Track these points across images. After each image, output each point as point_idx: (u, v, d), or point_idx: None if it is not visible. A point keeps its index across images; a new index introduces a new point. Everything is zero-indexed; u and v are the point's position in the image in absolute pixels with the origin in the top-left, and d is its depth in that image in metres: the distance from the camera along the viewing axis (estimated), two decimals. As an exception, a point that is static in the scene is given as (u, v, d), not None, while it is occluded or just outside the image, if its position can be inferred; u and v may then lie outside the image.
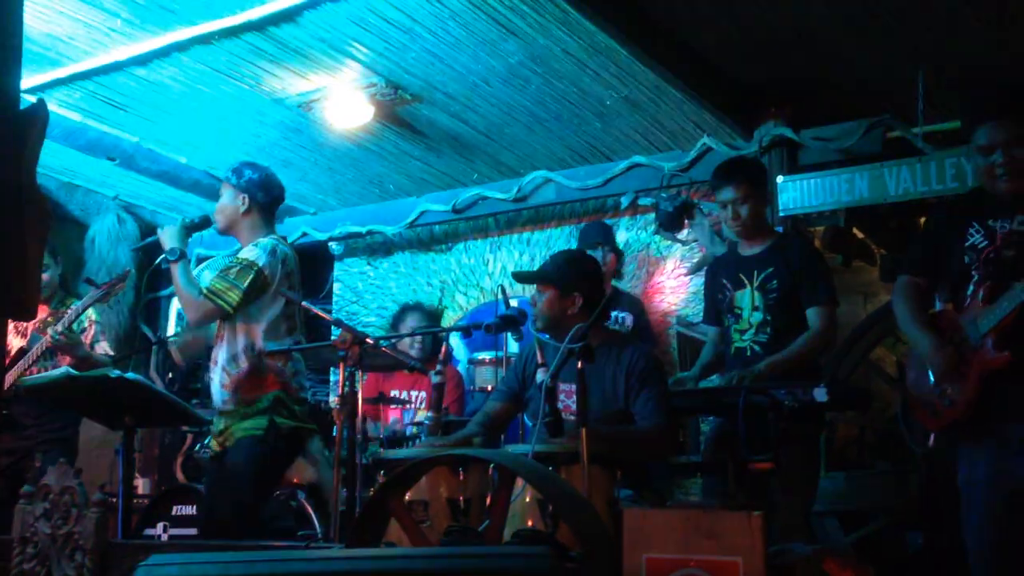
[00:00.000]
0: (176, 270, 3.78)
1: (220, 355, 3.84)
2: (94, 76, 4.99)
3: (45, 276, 4.91)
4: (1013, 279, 2.95)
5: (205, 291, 3.73)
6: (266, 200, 3.97)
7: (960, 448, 3.12)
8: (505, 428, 4.11)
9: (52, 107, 5.30)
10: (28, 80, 4.94)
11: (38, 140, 1.88)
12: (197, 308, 3.73)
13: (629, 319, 4.98)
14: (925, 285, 3.28)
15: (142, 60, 4.80)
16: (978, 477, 3.03)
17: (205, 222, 3.96)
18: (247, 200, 3.92)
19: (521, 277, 3.93)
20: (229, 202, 3.94)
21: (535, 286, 3.73)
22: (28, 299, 1.92)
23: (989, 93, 3.38)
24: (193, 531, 4.65)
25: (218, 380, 3.83)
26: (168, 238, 3.82)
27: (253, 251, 3.82)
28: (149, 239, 3.97)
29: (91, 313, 4.94)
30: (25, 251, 1.87)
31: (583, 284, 3.62)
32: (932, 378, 3.10)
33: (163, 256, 3.81)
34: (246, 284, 3.72)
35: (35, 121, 1.89)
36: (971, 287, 3.08)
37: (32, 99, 1.82)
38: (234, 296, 3.71)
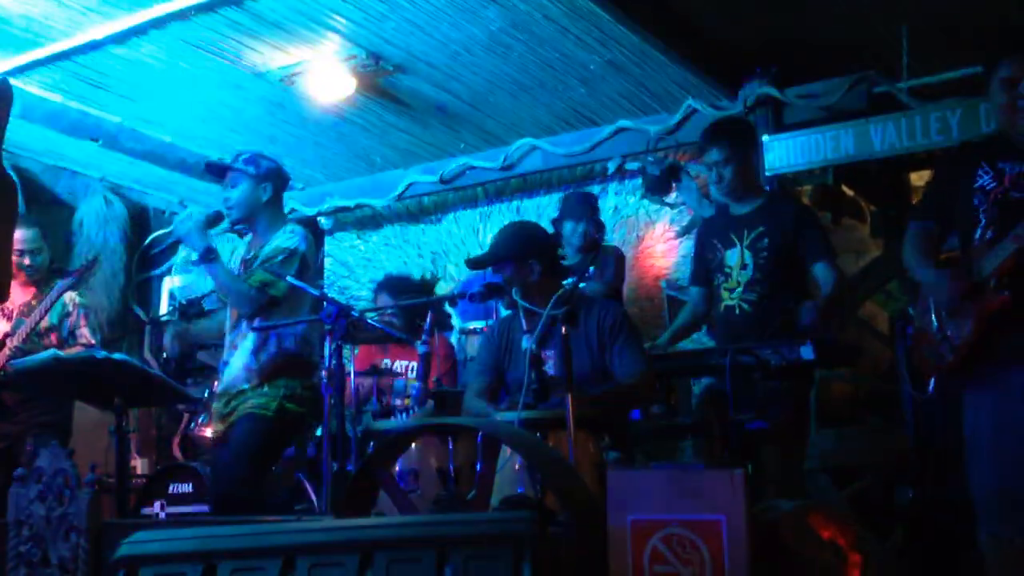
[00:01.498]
0: (216, 270, 3.78)
1: (247, 338, 3.85)
2: (73, 56, 4.94)
3: (38, 259, 4.93)
4: (1020, 220, 2.90)
5: (257, 284, 3.74)
6: (283, 187, 4.03)
7: (965, 395, 3.09)
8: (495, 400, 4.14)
9: (32, 89, 5.26)
10: (6, 62, 4.91)
11: (2, 120, 1.86)
12: (250, 302, 3.75)
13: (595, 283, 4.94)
14: (935, 231, 3.23)
15: (120, 38, 4.75)
16: (983, 424, 2.99)
17: (219, 217, 3.95)
18: (269, 189, 3.95)
19: (475, 263, 3.86)
20: (250, 193, 3.92)
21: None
22: (-1, 280, 1.92)
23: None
24: (191, 509, 4.66)
25: (242, 363, 3.84)
26: (195, 239, 3.77)
27: (291, 238, 3.86)
28: (168, 232, 3.93)
29: (75, 296, 4.95)
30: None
31: (535, 250, 3.60)
32: (935, 322, 3.06)
33: (194, 252, 3.83)
34: (293, 272, 3.77)
35: (-2, 101, 1.88)
36: (979, 230, 3.04)
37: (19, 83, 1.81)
38: (284, 286, 3.75)
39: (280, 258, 3.79)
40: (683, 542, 2.19)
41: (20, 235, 4.90)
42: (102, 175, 6.62)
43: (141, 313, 7.05)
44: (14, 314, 4.85)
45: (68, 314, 4.88)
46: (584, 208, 4.97)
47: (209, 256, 3.75)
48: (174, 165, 6.23)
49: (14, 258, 4.86)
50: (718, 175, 4.06)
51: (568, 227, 4.93)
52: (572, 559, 2.13)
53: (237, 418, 3.79)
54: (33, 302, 4.86)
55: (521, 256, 3.57)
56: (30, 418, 4.75)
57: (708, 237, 4.21)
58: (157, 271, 7.13)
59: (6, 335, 4.74)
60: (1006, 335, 2.93)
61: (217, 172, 4.03)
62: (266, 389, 3.78)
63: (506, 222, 6.26)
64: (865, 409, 5.37)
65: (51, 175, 6.53)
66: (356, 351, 5.18)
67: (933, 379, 3.27)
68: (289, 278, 3.70)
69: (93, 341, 4.94)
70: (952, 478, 3.61)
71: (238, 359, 3.87)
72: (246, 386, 3.82)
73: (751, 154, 4.20)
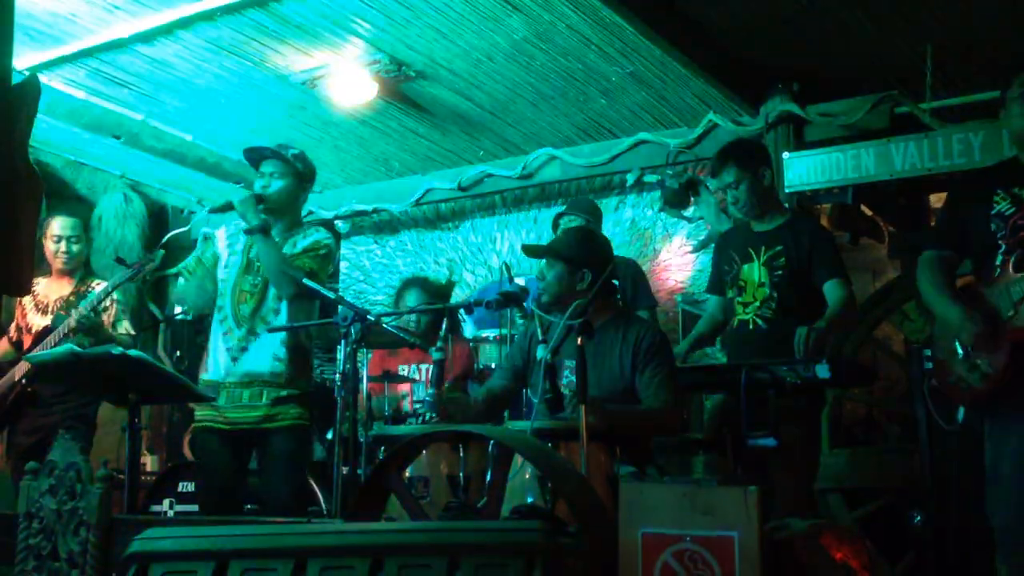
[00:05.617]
0: (269, 244, 3.86)
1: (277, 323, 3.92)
2: (97, 53, 4.98)
3: (76, 248, 4.98)
4: None
5: (306, 271, 3.83)
6: (310, 191, 4.20)
7: (987, 425, 3.03)
8: (508, 405, 4.11)
9: (56, 85, 5.30)
10: (31, 58, 4.95)
11: (30, 116, 1.87)
12: (296, 285, 3.80)
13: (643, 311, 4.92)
14: (951, 259, 3.19)
15: (145, 37, 4.80)
16: (1008, 453, 2.94)
17: (260, 199, 3.99)
18: (308, 189, 4.11)
19: (531, 251, 3.95)
20: (293, 187, 4.02)
21: (544, 261, 3.72)
22: (22, 274, 1.93)
23: None
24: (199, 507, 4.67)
25: (271, 350, 3.88)
26: (251, 212, 3.87)
27: (328, 237, 4.04)
28: (222, 203, 4.00)
29: (113, 292, 4.97)
30: (18, 227, 1.88)
31: (592, 261, 3.57)
32: (961, 351, 3.00)
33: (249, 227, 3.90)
34: (330, 268, 4.01)
35: (26, 97, 1.89)
36: (999, 256, 2.99)
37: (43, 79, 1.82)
38: (322, 277, 3.93)
39: (323, 252, 3.93)
40: (695, 558, 2.18)
41: (60, 222, 4.95)
42: (122, 172, 6.65)
43: (156, 311, 7.07)
44: (50, 308, 4.88)
45: (106, 308, 4.89)
46: (584, 209, 4.93)
47: (265, 230, 3.85)
48: (194, 164, 6.26)
49: (52, 246, 4.93)
50: (734, 197, 4.06)
51: (564, 221, 4.91)
52: (582, 571, 2.12)
53: (280, 426, 3.82)
54: (71, 297, 4.89)
55: (578, 262, 3.55)
56: (63, 411, 4.77)
57: (728, 249, 4.18)
58: (173, 269, 7.14)
59: (46, 329, 4.77)
60: None
61: (258, 156, 4.07)
62: (298, 393, 3.86)
63: (524, 231, 6.34)
64: (880, 430, 5.34)
65: (72, 170, 6.57)
66: (370, 355, 5.18)
67: (963, 409, 3.21)
68: (305, 280, 3.72)
69: (133, 332, 4.99)
70: (967, 504, 3.57)
71: (266, 344, 3.88)
72: (273, 374, 3.85)
73: (765, 173, 4.16)
